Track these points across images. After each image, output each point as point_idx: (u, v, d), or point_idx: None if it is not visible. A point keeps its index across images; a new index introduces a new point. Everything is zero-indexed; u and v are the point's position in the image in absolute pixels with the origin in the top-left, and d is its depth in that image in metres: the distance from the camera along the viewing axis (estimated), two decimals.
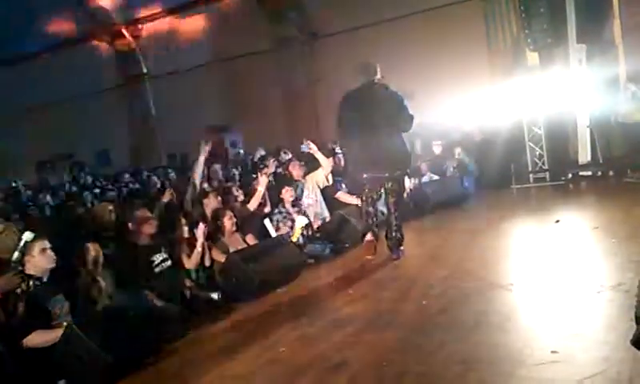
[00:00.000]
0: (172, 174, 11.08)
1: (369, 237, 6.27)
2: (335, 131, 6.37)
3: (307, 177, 7.68)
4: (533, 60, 10.38)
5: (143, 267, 5.19)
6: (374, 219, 6.31)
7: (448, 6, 12.66)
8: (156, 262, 5.33)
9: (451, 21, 12.47)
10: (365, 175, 6.12)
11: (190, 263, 5.70)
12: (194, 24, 15.75)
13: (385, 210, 6.36)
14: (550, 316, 3.83)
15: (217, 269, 5.82)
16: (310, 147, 7.57)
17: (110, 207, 6.19)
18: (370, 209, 6.26)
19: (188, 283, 5.54)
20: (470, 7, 12.56)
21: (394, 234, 6.11)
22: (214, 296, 5.37)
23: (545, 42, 9.76)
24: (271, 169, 8.75)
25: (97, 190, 11.30)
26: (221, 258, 5.80)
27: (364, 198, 6.28)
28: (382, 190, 6.15)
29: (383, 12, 13.52)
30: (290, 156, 9.29)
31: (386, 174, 6.04)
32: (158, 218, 5.79)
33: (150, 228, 5.46)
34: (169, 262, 5.44)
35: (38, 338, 3.83)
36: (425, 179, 9.23)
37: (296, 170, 7.85)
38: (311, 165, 7.90)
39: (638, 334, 1.56)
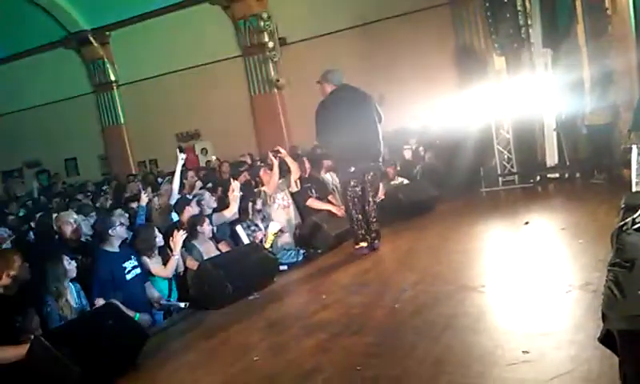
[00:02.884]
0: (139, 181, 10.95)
1: (363, 245, 6.39)
2: (318, 131, 6.49)
3: (279, 182, 7.65)
4: (500, 64, 10.55)
5: (114, 274, 5.13)
6: (364, 226, 6.41)
7: (417, 11, 12.76)
8: (127, 269, 5.29)
9: (420, 26, 12.60)
10: (352, 168, 6.29)
11: (165, 271, 5.66)
12: (163, 31, 15.61)
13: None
14: (520, 316, 3.88)
15: (189, 276, 5.78)
16: (281, 152, 7.58)
17: (74, 216, 6.12)
18: (359, 216, 6.38)
19: (157, 294, 5.51)
20: (438, 13, 12.70)
21: (372, 226, 6.38)
22: (182, 305, 5.35)
23: (511, 47, 9.93)
24: (244, 176, 8.74)
25: (67, 199, 11.13)
26: (194, 265, 5.76)
27: (351, 200, 6.38)
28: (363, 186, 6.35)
29: (353, 18, 13.59)
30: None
31: (371, 164, 6.37)
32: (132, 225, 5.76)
33: (122, 233, 5.42)
34: (139, 270, 5.40)
35: (3, 354, 3.73)
36: (395, 183, 9.27)
37: (267, 177, 7.80)
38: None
39: (604, 332, 1.59)
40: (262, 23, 14.71)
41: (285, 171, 7.69)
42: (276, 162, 7.41)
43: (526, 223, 6.62)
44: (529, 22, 9.71)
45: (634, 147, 3.75)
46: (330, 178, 8.64)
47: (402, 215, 8.18)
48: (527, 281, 4.58)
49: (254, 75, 15.26)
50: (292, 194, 7.62)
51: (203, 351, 4.32)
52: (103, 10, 15.78)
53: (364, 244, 6.39)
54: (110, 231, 5.31)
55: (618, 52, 9.07)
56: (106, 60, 17.27)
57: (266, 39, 14.88)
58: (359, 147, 6.20)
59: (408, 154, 10.36)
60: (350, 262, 6.23)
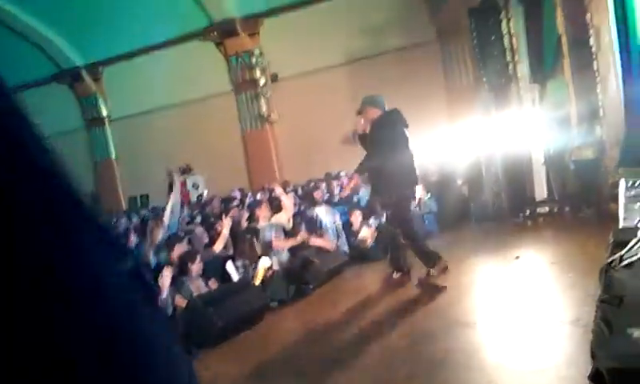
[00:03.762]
0: (134, 219, 10.88)
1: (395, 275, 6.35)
2: (375, 151, 6.25)
3: (272, 219, 7.65)
4: (488, 99, 10.67)
5: None
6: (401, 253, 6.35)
7: (406, 48, 12.97)
8: None
9: (409, 62, 12.79)
10: (411, 191, 6.31)
11: None
12: (155, 66, 15.74)
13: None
14: (512, 352, 3.87)
15: (178, 315, 5.71)
16: (276, 191, 7.61)
17: None
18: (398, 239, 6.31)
19: None
20: (427, 49, 12.91)
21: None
22: None
23: (499, 83, 10.07)
24: (236, 212, 8.74)
25: None
26: (183, 303, 5.71)
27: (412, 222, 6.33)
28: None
29: (344, 54, 13.78)
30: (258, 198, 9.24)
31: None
32: None
33: None
34: None
35: None
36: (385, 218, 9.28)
37: (263, 213, 7.78)
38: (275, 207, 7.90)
39: (594, 370, 1.59)
40: (253, 59, 14.89)
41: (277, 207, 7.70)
42: (285, 199, 7.44)
43: (517, 257, 6.63)
44: (516, 59, 9.88)
45: (621, 182, 3.79)
46: (321, 212, 8.66)
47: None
48: (518, 316, 4.57)
49: (245, 111, 15.38)
50: (285, 231, 7.62)
51: None
52: (96, 45, 15.91)
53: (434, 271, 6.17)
54: None
55: (603, 88, 9.21)
56: (98, 95, 17.36)
57: (258, 75, 15.04)
58: (411, 171, 6.26)
59: None
60: (342, 297, 6.20)
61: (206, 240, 7.01)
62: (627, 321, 1.74)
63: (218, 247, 6.70)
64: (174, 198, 6.99)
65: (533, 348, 3.86)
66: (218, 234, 6.83)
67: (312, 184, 11.16)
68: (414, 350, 4.19)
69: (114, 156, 17.72)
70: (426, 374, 3.68)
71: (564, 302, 4.79)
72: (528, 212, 9.62)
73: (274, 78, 15.10)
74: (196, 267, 6.11)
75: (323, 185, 10.78)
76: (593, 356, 1.61)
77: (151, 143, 16.32)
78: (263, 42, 14.94)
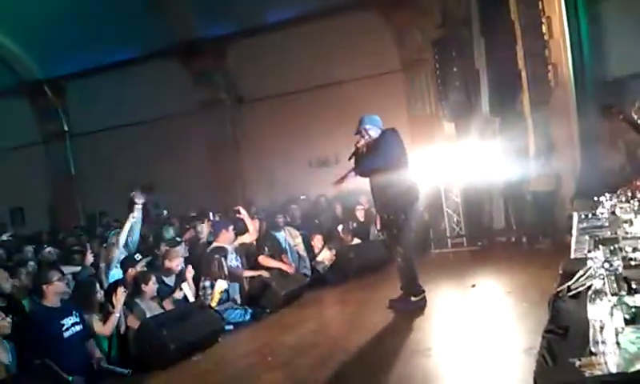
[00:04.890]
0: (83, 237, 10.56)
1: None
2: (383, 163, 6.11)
3: (235, 241, 7.54)
4: (450, 130, 10.88)
5: (49, 331, 4.88)
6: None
7: (372, 77, 13.13)
8: (66, 326, 5.04)
9: (374, 90, 12.91)
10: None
11: (105, 329, 5.42)
12: (119, 84, 15.55)
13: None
14: (465, 380, 3.88)
15: (131, 336, 5.56)
16: (240, 213, 7.54)
17: (6, 274, 5.83)
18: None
19: (98, 354, 5.25)
20: (392, 78, 13.09)
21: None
22: (125, 372, 5.10)
23: (460, 114, 10.28)
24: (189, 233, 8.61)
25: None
26: (136, 324, 5.56)
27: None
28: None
29: (310, 79, 13.86)
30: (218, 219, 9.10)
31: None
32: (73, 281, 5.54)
33: (60, 288, 5.18)
34: (80, 327, 5.15)
35: None
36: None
37: (226, 236, 7.59)
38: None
39: None
40: (219, 80, 14.86)
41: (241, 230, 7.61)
42: (249, 222, 7.35)
43: (473, 286, 6.71)
44: (477, 91, 10.12)
45: (575, 215, 3.88)
46: (284, 235, 8.63)
47: (354, 275, 8.20)
48: (473, 344, 4.60)
49: (210, 131, 15.26)
50: (245, 254, 7.53)
51: None
52: (59, 60, 15.65)
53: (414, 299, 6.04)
54: (44, 286, 5.09)
55: (559, 122, 9.50)
56: (59, 110, 17.03)
57: (224, 96, 15.00)
58: (410, 190, 6.20)
59: (361, 215, 10.44)
60: (299, 322, 6.14)
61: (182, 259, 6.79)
62: (571, 350, 1.76)
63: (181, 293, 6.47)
64: (135, 217, 6.80)
65: (486, 376, 3.89)
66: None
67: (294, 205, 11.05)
68: (367, 377, 4.17)
69: (73, 171, 17.33)
70: None
71: (518, 331, 4.85)
72: (486, 240, 9.78)
73: (241, 100, 15.08)
74: (150, 288, 5.96)
75: (294, 207, 10.76)
76: None
77: (112, 160, 16.03)
78: (230, 63, 14.93)
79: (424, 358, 4.43)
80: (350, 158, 6.31)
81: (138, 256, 6.41)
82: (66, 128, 17.21)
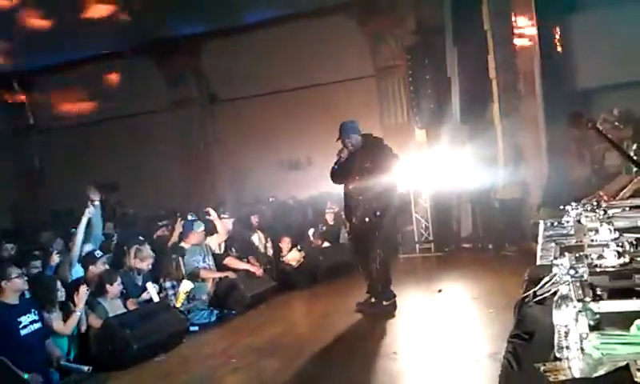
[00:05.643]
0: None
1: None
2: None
3: (203, 241, 7.44)
4: (421, 137, 10.95)
5: (5, 328, 4.73)
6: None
7: (346, 81, 13.15)
8: (24, 324, 4.90)
9: (347, 95, 12.95)
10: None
11: (65, 328, 5.29)
12: (90, 79, 15.26)
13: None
14: None
15: (92, 335, 5.44)
16: (210, 214, 7.46)
17: None
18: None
19: (57, 352, 5.11)
20: (366, 83, 13.13)
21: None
22: (84, 369, 4.98)
23: (431, 121, 10.36)
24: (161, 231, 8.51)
25: None
26: (98, 323, 5.44)
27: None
28: None
29: (283, 82, 13.81)
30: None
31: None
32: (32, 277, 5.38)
33: (18, 285, 5.03)
34: (38, 325, 5.01)
35: None
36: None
37: (195, 236, 7.48)
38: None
39: None
40: (193, 79, 14.71)
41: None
42: (219, 224, 7.27)
43: (439, 291, 6.75)
44: (448, 99, 10.21)
45: (541, 223, 3.92)
46: (257, 236, 8.57)
47: (323, 278, 8.18)
48: (438, 349, 4.62)
49: (182, 130, 15.09)
50: (213, 255, 7.44)
51: None
52: (28, 54, 15.29)
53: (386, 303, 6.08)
54: (2, 283, 4.93)
55: (528, 131, 9.65)
56: (26, 103, 16.64)
57: (196, 95, 14.86)
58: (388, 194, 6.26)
59: (330, 218, 10.43)
60: (265, 323, 6.10)
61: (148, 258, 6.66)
62: (536, 355, 1.76)
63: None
64: (90, 213, 6.66)
65: (451, 380, 3.90)
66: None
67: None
68: (332, 380, 4.15)
69: (38, 166, 16.95)
70: None
71: (483, 336, 4.89)
72: (453, 246, 9.87)
73: (214, 100, 14.95)
74: (114, 289, 5.82)
75: (264, 208, 10.71)
76: None
77: (81, 157, 15.70)
78: (204, 63, 14.79)
79: (390, 362, 4.44)
80: (333, 169, 6.37)
81: (98, 253, 6.27)
82: (31, 122, 16.83)
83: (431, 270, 8.72)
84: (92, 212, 6.45)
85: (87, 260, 6.14)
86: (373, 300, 6.17)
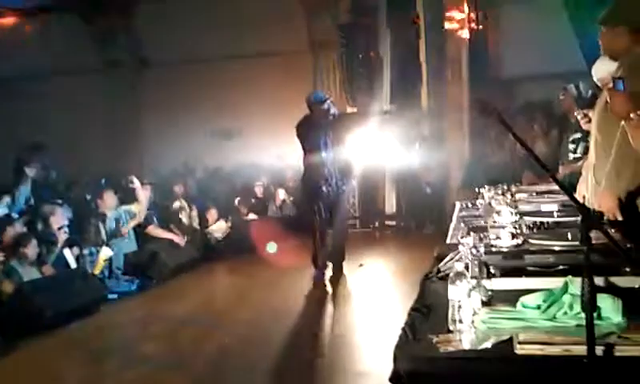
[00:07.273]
0: None
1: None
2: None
3: (120, 209, 7.27)
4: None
5: None
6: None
7: (280, 54, 13.06)
8: None
9: (282, 68, 12.88)
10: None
11: None
12: (13, 34, 14.41)
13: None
14: (344, 355, 4.02)
15: (4, 299, 5.26)
16: (133, 182, 7.29)
17: None
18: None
19: None
20: (300, 59, 13.04)
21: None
22: None
23: (362, 100, 10.50)
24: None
25: None
26: (11, 288, 5.26)
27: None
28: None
29: (217, 49, 13.55)
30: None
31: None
32: None
33: None
34: None
35: None
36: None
37: (109, 200, 7.32)
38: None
39: (394, 371, 1.70)
40: (123, 40, 14.18)
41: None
42: (140, 192, 7.14)
43: (361, 265, 6.95)
44: (379, 79, 10.38)
45: (457, 204, 4.12)
46: (178, 205, 8.45)
47: (249, 251, 8.19)
48: (356, 322, 4.78)
49: (111, 93, 14.54)
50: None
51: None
52: None
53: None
54: None
55: (452, 116, 9.97)
56: None
57: (126, 57, 14.35)
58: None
59: (259, 191, 10.43)
60: (186, 294, 6.08)
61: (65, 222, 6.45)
62: (431, 327, 1.87)
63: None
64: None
65: (365, 352, 4.05)
66: None
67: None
68: (250, 355, 4.21)
69: None
70: (257, 380, 3.71)
71: (400, 310, 5.07)
72: (377, 224, 10.12)
73: (144, 63, 14.47)
74: (30, 252, 5.63)
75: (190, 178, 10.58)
76: (394, 358, 1.72)
77: (7, 116, 14.87)
78: (136, 22, 14.26)
79: (309, 334, 4.54)
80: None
81: (14, 215, 6.05)
82: None
83: (355, 246, 8.87)
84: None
85: (2, 223, 5.91)
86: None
